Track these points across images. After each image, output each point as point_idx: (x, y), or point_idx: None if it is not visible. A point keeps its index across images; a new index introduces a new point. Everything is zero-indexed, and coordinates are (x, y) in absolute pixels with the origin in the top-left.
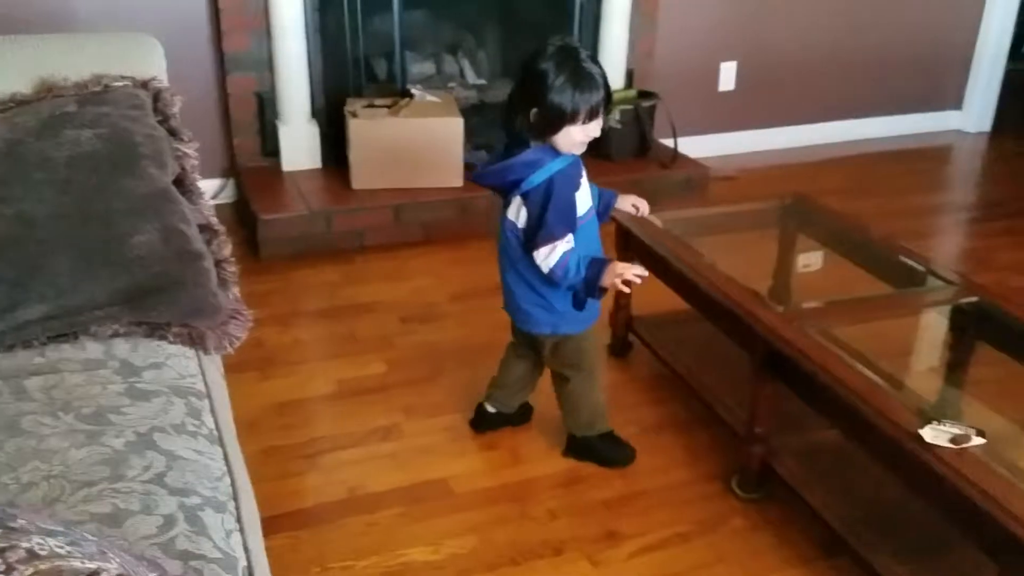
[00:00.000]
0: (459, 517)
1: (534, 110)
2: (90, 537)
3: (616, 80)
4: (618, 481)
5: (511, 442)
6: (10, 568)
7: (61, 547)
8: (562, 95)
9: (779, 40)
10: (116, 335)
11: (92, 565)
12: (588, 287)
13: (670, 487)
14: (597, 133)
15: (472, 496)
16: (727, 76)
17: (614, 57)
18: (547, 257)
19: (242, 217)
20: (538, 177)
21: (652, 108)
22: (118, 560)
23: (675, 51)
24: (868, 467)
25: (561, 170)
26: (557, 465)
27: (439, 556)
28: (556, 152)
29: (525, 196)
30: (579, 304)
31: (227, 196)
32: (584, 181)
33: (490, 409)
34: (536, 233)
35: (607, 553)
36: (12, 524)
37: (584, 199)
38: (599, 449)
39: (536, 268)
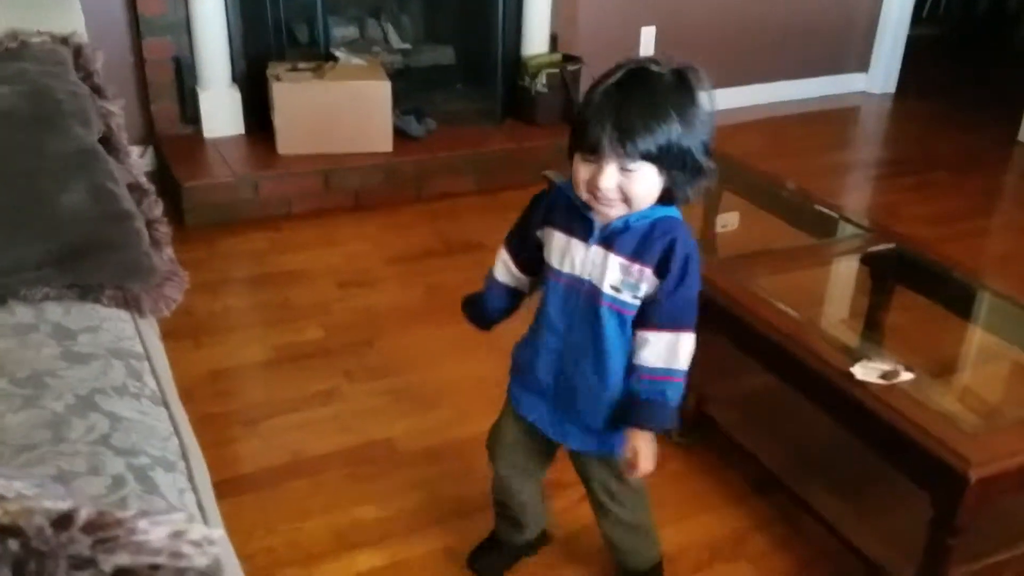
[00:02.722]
0: (405, 475)
1: None
2: (52, 483)
3: (540, 45)
4: None
5: (455, 401)
6: None
7: (27, 489)
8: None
9: (696, 5)
10: (47, 298)
11: (64, 505)
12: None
13: None
14: (601, 184)
15: (417, 455)
16: (647, 40)
17: (538, 21)
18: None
19: (164, 185)
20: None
21: (577, 72)
22: (89, 502)
23: (597, 16)
24: (798, 411)
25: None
26: None
27: (387, 513)
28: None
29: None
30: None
31: (147, 164)
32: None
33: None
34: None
35: (553, 501)
36: None
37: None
38: None
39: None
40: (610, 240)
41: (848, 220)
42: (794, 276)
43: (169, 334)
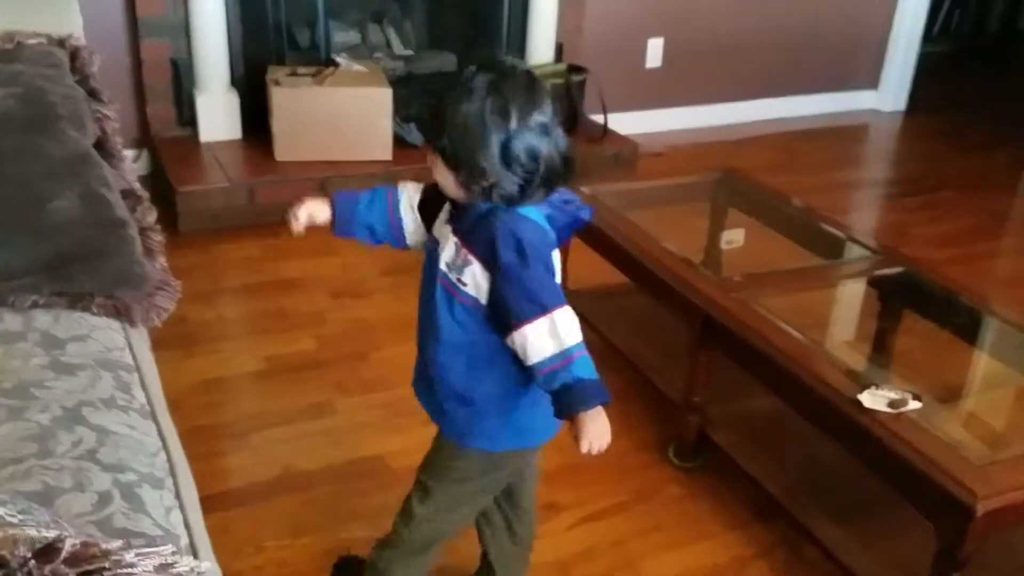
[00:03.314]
0: (398, 493)
1: None
2: (36, 507)
3: (545, 54)
4: (555, 454)
5: None
6: None
7: (12, 515)
8: None
9: (704, 18)
10: (36, 306)
11: (49, 533)
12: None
13: (607, 458)
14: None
15: (410, 472)
16: (654, 52)
17: (543, 30)
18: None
19: (158, 189)
20: None
21: (582, 83)
22: (73, 530)
23: (603, 26)
24: (802, 435)
25: None
26: None
27: (379, 532)
28: None
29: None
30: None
31: (141, 168)
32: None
33: None
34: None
35: (547, 525)
36: None
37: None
38: None
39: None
40: (455, 217)
41: (857, 241)
42: (801, 297)
43: (159, 343)
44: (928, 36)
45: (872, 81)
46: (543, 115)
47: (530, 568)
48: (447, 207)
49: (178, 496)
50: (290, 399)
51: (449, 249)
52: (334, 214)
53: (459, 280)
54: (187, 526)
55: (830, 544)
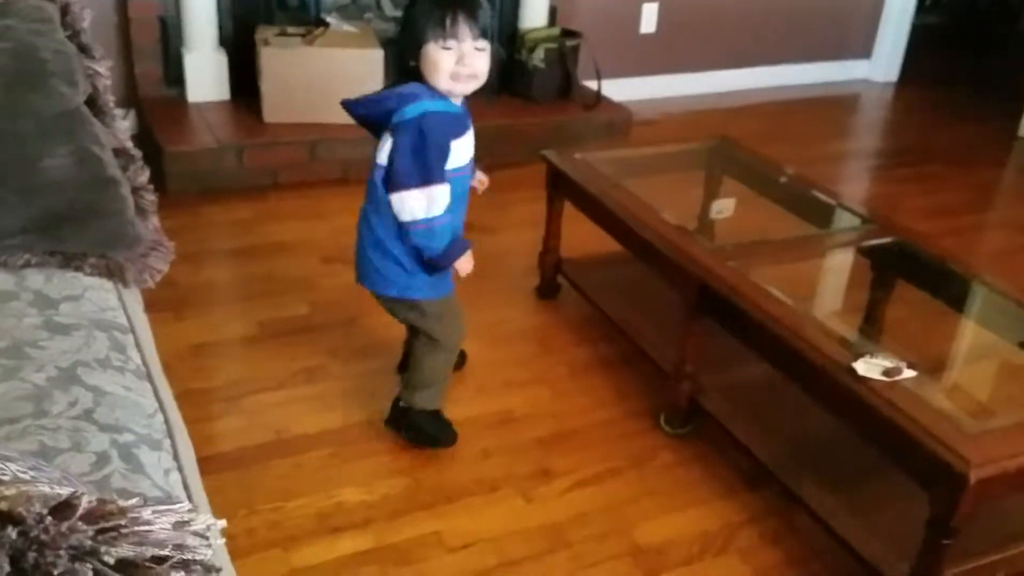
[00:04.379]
0: (390, 458)
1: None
2: (45, 464)
3: (539, 18)
4: (550, 420)
5: None
6: None
7: (24, 472)
8: (415, 6)
9: None
10: (28, 265)
11: (63, 490)
12: (441, 259)
13: (600, 424)
14: (470, 66)
15: (403, 438)
16: (648, 18)
17: None
18: (415, 204)
19: (145, 150)
20: (411, 111)
21: (576, 48)
22: (85, 488)
23: None
24: (793, 404)
25: (437, 111)
26: (488, 406)
27: (372, 496)
28: (433, 91)
29: (394, 128)
30: (429, 269)
31: (129, 128)
32: (469, 135)
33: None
34: (400, 173)
35: (541, 489)
36: None
37: (462, 152)
38: (421, 424)
39: (392, 216)
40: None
41: (851, 211)
42: (795, 266)
43: (150, 305)
44: (921, 7)
45: (865, 51)
46: None
47: (524, 532)
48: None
49: (176, 458)
50: (282, 363)
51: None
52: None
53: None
54: (186, 487)
55: (821, 512)
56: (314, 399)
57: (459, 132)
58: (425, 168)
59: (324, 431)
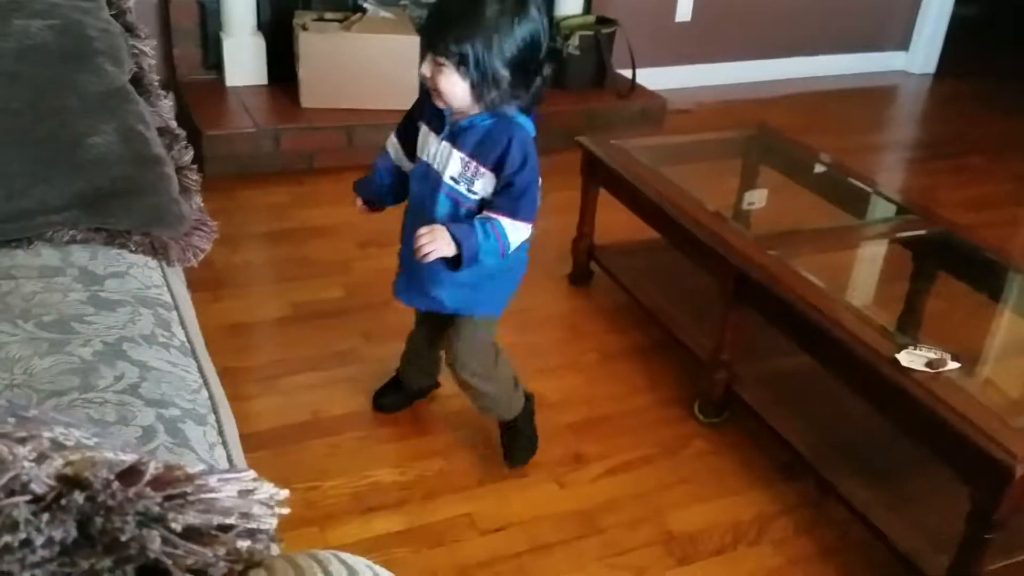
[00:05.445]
0: (425, 440)
1: None
2: (107, 431)
3: (575, 4)
4: (582, 406)
5: None
6: (42, 456)
7: (87, 438)
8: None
9: None
10: (73, 241)
11: (128, 457)
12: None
13: (633, 412)
14: (431, 79)
15: (437, 420)
16: (684, 6)
17: None
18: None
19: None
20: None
21: (611, 35)
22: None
23: None
24: (829, 394)
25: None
26: None
27: (406, 477)
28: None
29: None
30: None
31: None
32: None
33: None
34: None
35: (573, 475)
36: (25, 414)
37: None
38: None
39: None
40: (455, 136)
41: (891, 201)
42: (834, 256)
43: (188, 285)
44: None
45: (903, 42)
46: (537, 13)
47: (555, 517)
48: (430, 130)
49: (221, 433)
50: (317, 346)
51: (454, 165)
52: (366, 201)
53: (469, 190)
54: (231, 462)
55: (857, 503)
56: (348, 381)
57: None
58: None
59: (358, 412)
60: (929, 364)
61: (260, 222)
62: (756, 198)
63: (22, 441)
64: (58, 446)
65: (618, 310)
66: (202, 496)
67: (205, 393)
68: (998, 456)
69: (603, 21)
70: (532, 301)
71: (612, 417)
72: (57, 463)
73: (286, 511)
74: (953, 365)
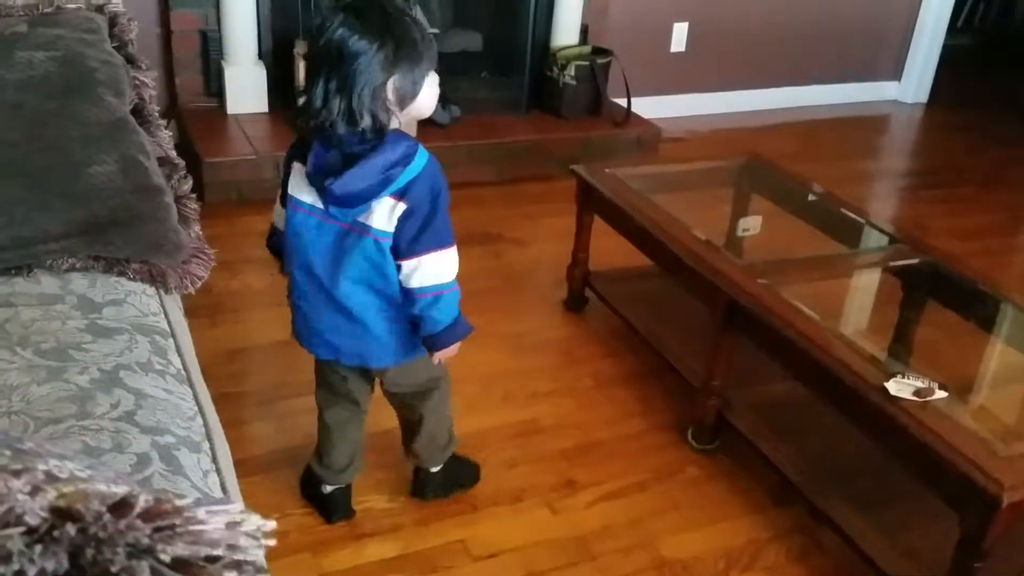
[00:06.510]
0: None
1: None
2: (99, 463)
3: (571, 35)
4: (575, 432)
5: (464, 392)
6: (36, 489)
7: (80, 470)
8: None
9: (729, 3)
10: (72, 269)
11: (120, 489)
12: (446, 335)
13: (626, 437)
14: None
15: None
16: (679, 37)
17: (569, 11)
18: (444, 267)
19: (184, 159)
20: (419, 162)
21: (607, 65)
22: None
23: (630, 8)
24: (821, 421)
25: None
26: (514, 416)
27: (396, 504)
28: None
29: (404, 192)
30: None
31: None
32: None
33: (327, 489)
34: (437, 232)
35: (566, 501)
36: (20, 446)
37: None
38: (456, 473)
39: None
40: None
41: (881, 230)
42: (824, 285)
43: (186, 311)
44: (952, 29)
45: (895, 72)
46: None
47: (548, 544)
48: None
49: (215, 460)
50: (313, 370)
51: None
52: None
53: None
54: (224, 490)
55: (848, 530)
56: None
57: None
58: (448, 225)
59: None
60: (917, 393)
61: (259, 247)
62: (747, 226)
63: (17, 474)
64: (52, 478)
65: (612, 335)
66: (190, 528)
67: (200, 420)
68: (985, 485)
69: (599, 51)
70: (527, 326)
71: (605, 442)
72: (51, 495)
73: (272, 543)
74: (941, 394)
